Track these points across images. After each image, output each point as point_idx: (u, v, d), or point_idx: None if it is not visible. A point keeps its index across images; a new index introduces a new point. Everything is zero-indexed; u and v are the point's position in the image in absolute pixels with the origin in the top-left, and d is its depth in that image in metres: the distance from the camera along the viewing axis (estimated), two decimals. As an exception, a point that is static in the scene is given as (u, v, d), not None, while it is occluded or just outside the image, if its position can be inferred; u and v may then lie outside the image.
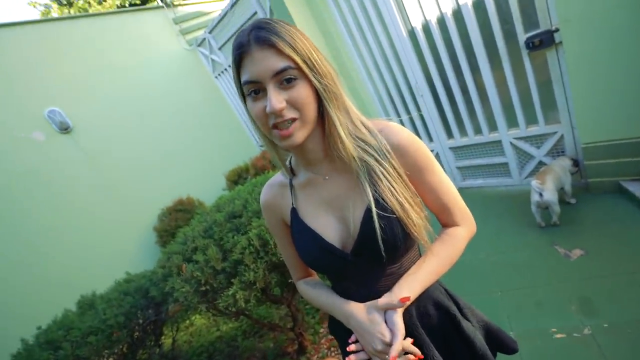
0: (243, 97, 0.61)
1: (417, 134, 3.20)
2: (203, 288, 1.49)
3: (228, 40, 4.25)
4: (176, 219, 3.60)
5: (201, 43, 4.78)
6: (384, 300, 0.65)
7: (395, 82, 3.03)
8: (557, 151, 2.44)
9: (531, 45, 2.09)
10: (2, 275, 3.02)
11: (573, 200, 2.32)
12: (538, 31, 2.05)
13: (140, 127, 4.18)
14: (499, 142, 2.66)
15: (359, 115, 0.66)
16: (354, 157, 0.63)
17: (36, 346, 1.74)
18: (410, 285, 0.66)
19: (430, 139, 3.11)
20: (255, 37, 0.54)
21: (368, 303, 0.68)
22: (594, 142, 2.17)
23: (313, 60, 0.57)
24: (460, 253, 0.71)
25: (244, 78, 0.57)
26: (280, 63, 0.54)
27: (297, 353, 2.19)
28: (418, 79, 2.80)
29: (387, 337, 0.63)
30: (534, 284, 1.91)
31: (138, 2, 9.05)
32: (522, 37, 2.13)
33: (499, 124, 2.57)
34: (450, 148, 3.01)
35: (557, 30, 1.98)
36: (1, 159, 3.23)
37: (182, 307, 3.47)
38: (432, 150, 3.17)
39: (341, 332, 0.84)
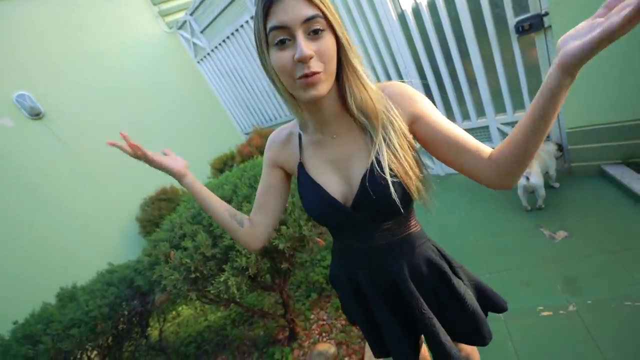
0: (262, 49, 0.61)
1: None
2: (193, 275, 1.44)
3: (210, 23, 4.08)
4: (160, 209, 3.48)
5: (182, 26, 4.57)
6: None
7: (384, 67, 2.99)
8: (542, 136, 2.49)
9: (521, 29, 2.09)
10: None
11: (557, 184, 2.38)
12: (528, 15, 2.06)
13: (119, 113, 3.98)
14: (487, 127, 2.69)
15: (367, 76, 0.67)
16: (377, 110, 0.65)
17: (13, 341, 1.64)
18: None
19: (419, 126, 3.11)
20: None
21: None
22: (578, 127, 2.22)
23: (338, 19, 0.59)
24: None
25: (271, 24, 0.56)
26: (310, 10, 0.55)
27: (289, 339, 2.18)
28: (407, 64, 2.78)
29: None
30: (521, 265, 1.96)
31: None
32: (512, 21, 2.13)
33: (487, 110, 2.60)
34: (439, 134, 3.02)
35: (546, 14, 1.99)
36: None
37: (170, 297, 3.39)
38: (420, 137, 3.18)
39: (341, 281, 0.92)
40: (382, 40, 2.82)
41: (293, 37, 0.56)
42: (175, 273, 1.43)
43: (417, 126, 0.68)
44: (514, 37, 2.18)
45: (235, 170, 2.04)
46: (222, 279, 1.38)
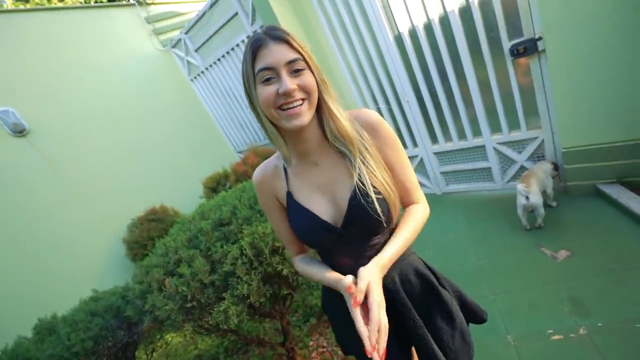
0: (250, 88, 0.70)
1: (402, 139, 3.20)
2: (189, 304, 1.34)
3: (205, 42, 4.09)
4: (149, 230, 3.33)
5: (176, 44, 4.56)
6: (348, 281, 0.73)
7: (380, 87, 3.02)
8: (537, 156, 2.53)
9: (515, 52, 2.15)
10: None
11: (554, 203, 2.39)
12: (522, 39, 2.12)
13: (108, 130, 3.87)
14: (483, 147, 2.72)
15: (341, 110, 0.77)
16: (352, 138, 0.74)
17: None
18: (390, 253, 0.76)
19: (415, 144, 3.12)
20: (271, 35, 0.67)
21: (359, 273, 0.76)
22: (573, 146, 2.26)
23: (314, 62, 0.71)
24: (421, 227, 0.83)
25: (260, 66, 0.66)
26: (292, 54, 0.67)
27: (287, 369, 2.05)
28: (404, 84, 2.81)
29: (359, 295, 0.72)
30: (525, 286, 1.92)
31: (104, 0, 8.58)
32: (506, 44, 2.19)
33: (483, 130, 2.63)
34: (435, 153, 3.03)
35: (540, 38, 2.05)
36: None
37: (155, 325, 3.20)
38: (416, 156, 3.19)
39: (332, 308, 0.96)
40: (379, 60, 2.86)
41: (278, 75, 0.66)
42: (169, 303, 1.33)
43: (382, 157, 0.80)
44: (508, 59, 2.24)
45: (233, 190, 1.96)
46: (221, 308, 1.29)
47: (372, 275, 0.70)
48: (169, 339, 3.22)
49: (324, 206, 0.79)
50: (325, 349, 2.17)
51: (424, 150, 3.07)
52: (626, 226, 1.98)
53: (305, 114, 0.69)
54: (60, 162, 3.47)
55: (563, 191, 2.48)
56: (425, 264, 0.94)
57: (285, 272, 1.35)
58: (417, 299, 0.87)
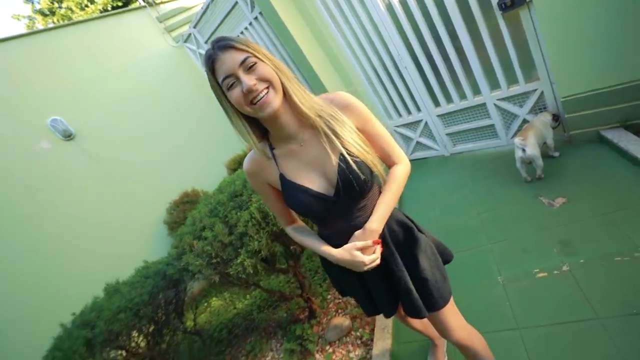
0: (221, 97, 0.82)
1: (404, 105, 3.28)
2: (214, 260, 1.66)
3: (213, 32, 4.30)
4: (184, 211, 3.78)
5: (187, 39, 4.83)
6: (360, 244, 0.91)
7: (379, 58, 3.09)
8: (539, 108, 2.53)
9: (504, 6, 2.15)
10: (31, 277, 3.25)
11: (557, 154, 2.42)
12: (509, -9, 2.11)
13: (139, 126, 4.31)
14: (484, 104, 2.75)
15: (310, 95, 0.88)
16: (316, 116, 0.85)
17: (74, 328, 1.94)
18: (378, 219, 0.93)
19: (418, 109, 3.20)
20: (218, 47, 0.77)
21: (346, 247, 0.93)
22: (572, 94, 2.26)
23: (262, 51, 0.80)
24: (404, 184, 0.97)
25: (220, 77, 0.77)
26: (240, 55, 0.76)
27: (308, 318, 2.38)
28: (400, 52, 2.87)
29: (367, 261, 0.91)
30: (520, 234, 2.04)
31: (120, 3, 9.01)
32: (494, -1, 2.19)
33: (482, 88, 2.66)
34: (438, 116, 3.10)
35: (526, -12, 2.04)
36: (14, 171, 3.40)
37: (202, 290, 3.68)
38: (420, 120, 3.27)
39: (327, 261, 1.06)
40: (374, 31, 2.92)
41: (237, 78, 0.76)
42: (199, 259, 1.66)
43: (360, 132, 0.92)
44: (498, 14, 2.24)
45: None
46: (238, 261, 1.59)
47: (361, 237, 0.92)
48: (212, 301, 3.72)
49: (315, 180, 0.89)
50: (340, 300, 2.46)
51: (427, 113, 3.14)
52: (624, 169, 2.00)
53: (274, 100, 0.79)
54: (103, 160, 3.97)
55: (568, 141, 2.49)
56: (405, 215, 1.08)
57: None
58: (401, 244, 1.01)
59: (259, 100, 0.77)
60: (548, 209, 2.09)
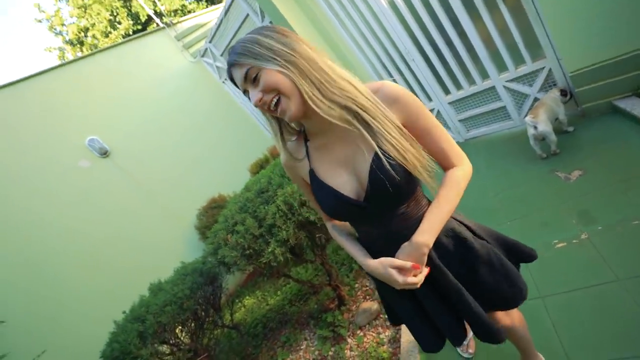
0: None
1: (416, 96, 3.35)
2: (247, 252, 1.82)
3: (228, 45, 4.55)
4: (213, 215, 4.01)
5: (204, 53, 5.11)
6: (398, 262, 0.78)
7: (385, 52, 3.20)
8: (549, 85, 2.55)
9: (503, -11, 2.22)
10: (82, 282, 3.57)
11: (571, 128, 2.44)
12: (506, -25, 2.18)
13: (165, 140, 4.63)
14: (493, 87, 2.79)
15: (347, 77, 0.74)
16: (341, 110, 0.72)
17: (126, 323, 2.16)
18: (427, 230, 0.78)
19: (429, 99, 3.27)
20: (228, 63, 0.75)
21: (383, 261, 0.80)
22: (580, 68, 2.28)
23: (266, 53, 0.69)
24: (463, 191, 0.81)
25: (242, 91, 0.76)
26: (242, 71, 0.71)
27: (338, 306, 2.50)
28: (406, 45, 2.97)
29: (401, 280, 0.78)
30: (539, 209, 2.07)
31: (140, 27, 9.58)
32: (492, -17, 2.26)
33: (490, 71, 2.71)
34: (449, 103, 3.16)
35: (523, -30, 2.10)
36: (59, 189, 3.75)
37: (235, 291, 3.87)
38: (432, 109, 3.33)
39: (383, 288, 0.96)
40: (379, 27, 3.04)
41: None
42: (234, 252, 1.82)
43: (410, 127, 0.77)
44: (499, -2, 2.30)
45: (268, 167, 2.41)
46: (269, 250, 1.74)
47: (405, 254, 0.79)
48: (246, 301, 3.92)
49: (346, 181, 0.79)
50: (368, 287, 2.57)
51: (438, 102, 3.21)
52: (638, 135, 2.01)
53: (288, 108, 0.71)
54: (137, 173, 4.29)
55: (582, 115, 2.50)
56: (456, 219, 0.92)
57: (312, 218, 1.76)
58: (453, 258, 0.87)
59: (274, 109, 0.72)
60: (565, 183, 2.11)
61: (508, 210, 2.26)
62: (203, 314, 2.44)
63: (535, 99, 2.64)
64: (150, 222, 4.23)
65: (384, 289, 0.98)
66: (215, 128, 5.13)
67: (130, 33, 9.42)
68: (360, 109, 0.72)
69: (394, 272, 0.78)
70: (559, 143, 2.32)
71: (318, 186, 0.84)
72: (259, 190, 2.04)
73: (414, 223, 0.82)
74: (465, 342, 1.63)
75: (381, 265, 0.80)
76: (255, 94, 0.71)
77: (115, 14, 9.87)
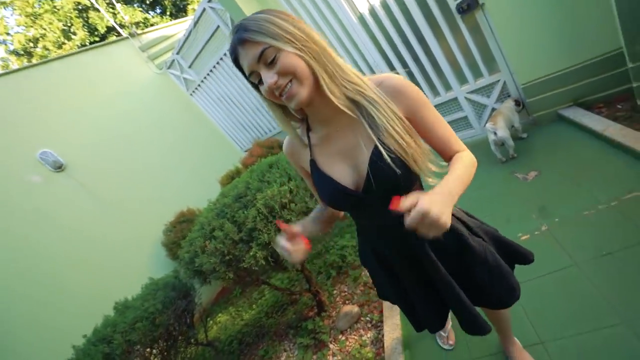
0: (255, 87, 0.75)
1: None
2: (227, 257, 1.76)
3: (196, 57, 4.50)
4: (181, 230, 3.82)
5: (171, 65, 5.00)
6: (295, 229, 0.82)
7: (354, 62, 3.35)
8: (504, 96, 2.82)
9: (461, 9, 2.45)
10: (30, 308, 3.19)
11: (524, 135, 2.69)
12: (464, -3, 2.41)
13: (129, 153, 4.38)
14: (456, 99, 3.02)
15: (352, 70, 0.76)
16: (349, 102, 0.73)
17: (89, 346, 1.96)
18: (451, 183, 0.70)
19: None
20: (236, 40, 0.68)
21: (292, 228, 0.83)
22: (530, 81, 2.55)
23: (283, 34, 0.66)
24: (472, 173, 0.76)
25: (246, 72, 0.71)
26: (256, 50, 0.66)
27: (318, 312, 2.47)
28: (375, 59, 3.14)
29: (280, 243, 0.81)
30: (503, 208, 2.24)
31: (97, 39, 9.16)
32: (452, 4, 2.49)
33: (452, 84, 2.93)
34: (416, 113, 3.34)
35: (478, -7, 2.34)
36: (7, 206, 3.39)
37: (210, 302, 3.67)
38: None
39: (369, 258, 1.01)
40: (348, 40, 3.19)
41: (259, 75, 0.69)
42: (212, 258, 1.76)
43: (413, 119, 0.76)
44: (458, 17, 2.53)
45: (244, 174, 2.38)
46: (251, 254, 1.70)
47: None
48: (218, 318, 3.73)
49: (345, 172, 0.80)
50: (346, 292, 2.57)
51: (406, 113, 3.38)
52: (583, 140, 2.27)
53: (299, 93, 0.69)
54: (97, 188, 4.00)
55: (533, 123, 2.77)
56: (455, 216, 0.92)
57: (293, 219, 1.75)
58: (449, 253, 0.88)
59: (284, 94, 0.70)
60: (523, 182, 2.32)
61: (474, 209, 2.31)
62: (176, 331, 2.29)
63: (493, 109, 2.89)
64: (113, 239, 3.93)
65: (370, 269, 1.05)
66: (183, 140, 4.96)
67: (87, 44, 8.98)
68: (368, 102, 0.73)
69: (280, 239, 0.81)
70: (516, 148, 2.55)
71: (318, 176, 0.84)
72: (236, 196, 2.00)
73: None
74: (444, 334, 1.68)
75: (286, 229, 0.82)
76: (271, 75, 0.67)
77: (69, 24, 9.38)
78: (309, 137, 0.86)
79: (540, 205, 2.06)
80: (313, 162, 0.85)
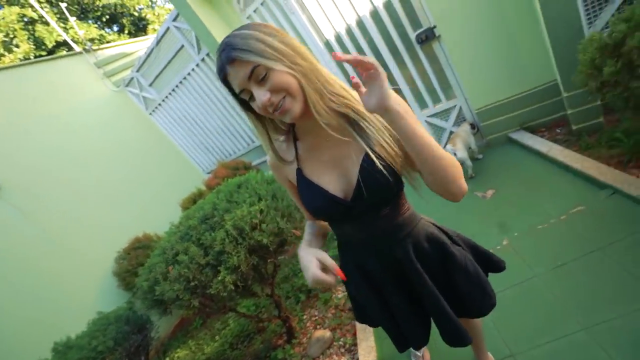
0: (241, 105, 0.75)
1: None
2: (192, 283, 1.63)
3: (158, 75, 4.35)
4: (136, 257, 3.50)
5: (129, 83, 4.77)
6: (329, 261, 0.76)
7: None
8: (460, 119, 3.04)
9: (420, 40, 2.65)
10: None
11: (480, 156, 2.89)
12: (422, 29, 2.62)
13: (80, 174, 4.00)
14: (417, 122, 3.19)
15: (339, 82, 0.76)
16: (335, 114, 0.74)
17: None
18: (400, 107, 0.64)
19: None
20: (224, 59, 0.66)
21: (316, 251, 0.79)
22: (482, 106, 2.78)
23: (272, 51, 0.66)
24: (446, 157, 0.69)
25: (237, 91, 0.70)
26: (246, 69, 0.65)
27: (287, 340, 2.34)
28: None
29: (314, 271, 0.75)
30: (466, 224, 2.35)
31: (44, 53, 8.53)
32: (412, 35, 2.69)
33: (413, 107, 3.11)
34: (381, 135, 3.48)
35: (435, 26, 2.56)
36: None
37: (169, 335, 3.34)
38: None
39: (350, 271, 0.94)
40: (317, 66, 3.28)
41: (251, 93, 0.68)
42: (176, 284, 1.61)
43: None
44: (417, 47, 2.73)
45: (209, 195, 2.27)
46: (219, 279, 1.59)
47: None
48: (176, 355, 3.39)
49: (334, 181, 0.80)
50: (317, 316, 2.49)
51: (371, 135, 3.51)
52: (530, 159, 2.50)
53: (293, 108, 0.69)
54: (37, 213, 3.56)
55: (487, 145, 3.00)
56: (436, 225, 0.95)
57: (265, 241, 1.68)
58: (432, 262, 0.89)
59: (276, 111, 0.69)
60: (482, 200, 2.46)
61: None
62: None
63: (451, 132, 3.09)
64: (55, 269, 3.47)
65: (351, 287, 1.01)
66: (140, 161, 4.66)
67: (31, 58, 8.32)
68: (356, 114, 0.74)
69: (315, 261, 0.76)
70: (474, 168, 2.72)
71: (305, 185, 0.82)
72: (203, 217, 1.89)
73: (396, 226, 0.85)
74: (419, 354, 1.67)
75: (312, 253, 0.78)
76: (263, 93, 0.67)
77: (12, 35, 8.68)
78: (296, 147, 0.85)
79: (499, 221, 2.18)
80: (299, 171, 0.83)
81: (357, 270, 0.96)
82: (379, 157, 0.73)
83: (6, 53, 8.29)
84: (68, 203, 3.79)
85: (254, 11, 3.24)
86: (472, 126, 2.83)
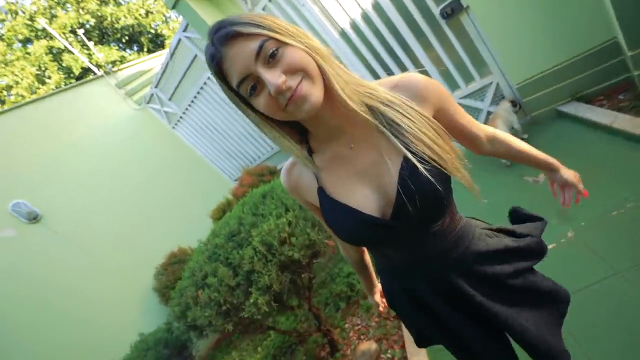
0: (240, 107, 0.59)
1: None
2: (224, 307, 1.53)
3: (176, 89, 4.36)
4: (174, 272, 3.53)
5: (150, 99, 4.85)
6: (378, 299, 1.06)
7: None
8: (498, 98, 2.72)
9: (445, 15, 2.37)
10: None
11: (525, 136, 2.58)
12: (447, 2, 2.34)
13: (112, 195, 4.12)
14: (448, 105, 2.92)
15: (356, 77, 0.62)
16: (364, 105, 0.58)
17: None
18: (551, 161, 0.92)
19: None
20: (220, 39, 0.51)
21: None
22: (524, 80, 2.46)
23: (284, 29, 0.53)
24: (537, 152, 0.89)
25: (234, 83, 0.54)
26: (253, 43, 0.50)
27: (331, 353, 2.21)
28: (360, 71, 3.04)
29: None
30: (517, 215, 2.09)
31: (73, 80, 9.00)
32: (435, 10, 2.42)
33: (443, 90, 2.83)
34: (409, 124, 3.23)
35: (461, -4, 2.28)
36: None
37: (209, 349, 3.35)
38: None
39: (399, 299, 0.84)
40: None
41: (258, 78, 0.52)
42: (207, 310, 1.52)
43: (440, 118, 0.65)
44: (442, 22, 2.46)
45: (235, 208, 2.17)
46: (251, 301, 1.47)
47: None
48: (221, 366, 3.39)
49: (367, 197, 0.64)
50: (360, 325, 2.33)
51: (398, 125, 3.27)
52: (588, 134, 2.17)
53: (313, 92, 0.53)
54: (77, 237, 3.70)
55: (532, 122, 2.67)
56: (490, 228, 0.82)
57: (296, 256, 1.54)
58: (497, 279, 0.73)
59: (290, 98, 0.52)
60: (535, 186, 2.17)
61: (490, 217, 2.21)
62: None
63: (489, 112, 2.79)
64: (97, 290, 3.60)
65: (407, 316, 0.88)
66: (168, 176, 4.73)
67: (62, 85, 8.80)
68: (386, 105, 0.59)
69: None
70: (519, 149, 2.42)
71: (330, 206, 0.66)
72: (229, 234, 1.78)
73: (450, 244, 0.68)
74: None
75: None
76: (277, 75, 0.51)
77: (43, 68, 9.21)
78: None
79: (558, 209, 1.89)
80: (321, 190, 0.67)
81: (405, 295, 0.80)
82: (420, 159, 0.58)
83: (40, 85, 8.81)
84: (104, 224, 3.91)
85: (263, 9, 3.11)
86: (513, 103, 2.52)
